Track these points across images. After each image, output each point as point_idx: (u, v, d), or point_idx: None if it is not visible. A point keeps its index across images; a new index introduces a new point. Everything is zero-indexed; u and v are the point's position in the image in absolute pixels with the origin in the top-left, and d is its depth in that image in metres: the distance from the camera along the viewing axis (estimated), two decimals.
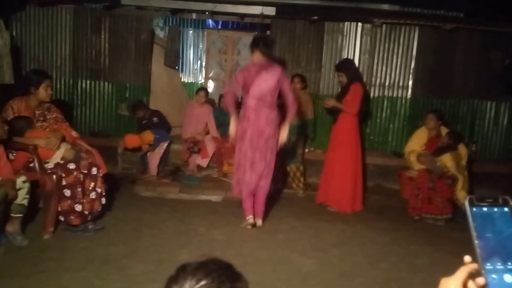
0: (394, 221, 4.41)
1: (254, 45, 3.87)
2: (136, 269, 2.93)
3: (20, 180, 3.15)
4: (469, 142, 5.70)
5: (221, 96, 6.07)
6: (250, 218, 3.89)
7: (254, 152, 3.80)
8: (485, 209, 0.68)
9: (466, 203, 0.69)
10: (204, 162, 5.55)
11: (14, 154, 3.41)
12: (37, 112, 3.67)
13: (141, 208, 4.32)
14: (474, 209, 0.68)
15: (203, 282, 0.82)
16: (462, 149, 4.68)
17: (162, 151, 5.38)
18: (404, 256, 3.53)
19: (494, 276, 0.63)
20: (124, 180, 5.17)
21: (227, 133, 5.65)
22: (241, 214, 4.20)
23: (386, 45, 5.90)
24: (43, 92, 3.59)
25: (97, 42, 5.89)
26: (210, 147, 5.49)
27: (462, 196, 4.44)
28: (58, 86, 5.84)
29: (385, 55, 5.93)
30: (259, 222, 3.93)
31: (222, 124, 5.72)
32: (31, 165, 3.39)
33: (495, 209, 0.68)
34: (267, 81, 3.75)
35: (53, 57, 5.87)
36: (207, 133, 5.62)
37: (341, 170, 4.57)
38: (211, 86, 7.87)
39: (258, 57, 3.83)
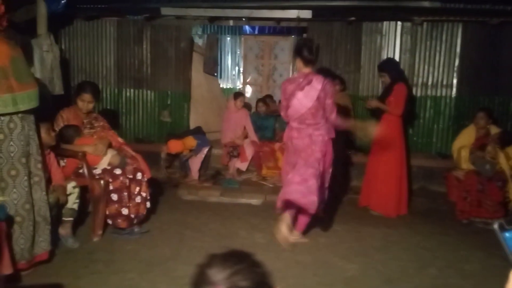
0: (441, 225, 4.24)
1: (296, 53, 3.48)
2: (180, 271, 2.99)
3: (70, 186, 3.32)
4: None
5: (258, 101, 6.11)
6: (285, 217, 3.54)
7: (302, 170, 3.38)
8: None
9: (496, 229, 0.66)
10: (243, 166, 5.61)
11: (65, 161, 3.60)
12: (85, 121, 3.86)
13: (184, 211, 4.42)
14: (507, 234, 0.66)
15: (238, 266, 0.90)
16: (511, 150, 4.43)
17: (203, 155, 5.48)
18: (452, 261, 3.39)
19: None
20: (167, 184, 5.32)
21: (265, 137, 5.72)
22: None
23: (428, 43, 5.72)
24: (80, 103, 3.77)
25: (139, 52, 6.11)
26: (249, 151, 5.54)
27: None
28: (104, 95, 6.11)
29: (427, 53, 5.74)
30: (297, 236, 3.61)
31: (260, 128, 5.76)
32: (81, 171, 3.57)
33: None
34: (307, 98, 3.36)
35: (99, 68, 6.15)
36: (246, 137, 5.67)
37: (384, 173, 4.45)
38: (248, 91, 7.95)
39: (300, 66, 3.47)
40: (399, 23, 5.72)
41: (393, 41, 5.77)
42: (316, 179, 3.34)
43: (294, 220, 3.59)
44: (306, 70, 3.47)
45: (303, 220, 3.62)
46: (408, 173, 4.83)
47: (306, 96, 3.37)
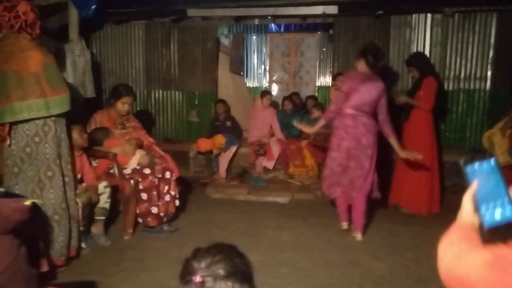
0: None
1: (361, 54, 3.64)
2: None
3: (102, 185, 3.43)
4: None
5: (284, 99, 6.09)
6: (344, 225, 3.81)
7: (350, 161, 3.61)
8: (476, 166, 0.83)
9: (461, 164, 0.83)
10: (270, 164, 5.60)
11: (97, 162, 3.71)
12: (117, 122, 3.97)
13: (212, 210, 4.47)
14: (468, 168, 0.84)
15: (218, 257, 0.99)
16: None
17: (231, 154, 5.52)
18: None
19: (487, 213, 0.80)
20: (195, 183, 5.40)
21: (292, 135, 5.69)
22: (312, 215, 4.19)
23: (460, 35, 5.51)
24: (120, 106, 3.88)
25: (167, 54, 6.22)
26: (276, 149, 5.53)
27: None
28: (135, 97, 6.25)
29: (459, 45, 5.54)
30: (359, 236, 3.68)
31: (287, 126, 5.73)
32: (111, 171, 3.67)
33: (484, 164, 0.83)
34: (370, 92, 3.56)
35: (129, 70, 6.31)
36: (272, 135, 5.67)
37: (415, 170, 4.34)
38: (275, 89, 7.93)
39: (362, 66, 3.63)
40: (429, 15, 5.54)
41: (423, 34, 5.60)
42: (363, 179, 3.63)
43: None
44: (367, 72, 3.62)
45: (358, 213, 3.72)
46: (440, 169, 4.69)
47: (369, 91, 3.57)
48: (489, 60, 5.48)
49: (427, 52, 5.50)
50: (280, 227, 3.96)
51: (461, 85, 5.60)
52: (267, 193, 4.94)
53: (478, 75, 5.53)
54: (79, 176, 3.36)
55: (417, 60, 4.57)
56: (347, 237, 3.74)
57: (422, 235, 3.78)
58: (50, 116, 2.76)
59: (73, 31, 4.85)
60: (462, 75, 5.58)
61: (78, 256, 3.11)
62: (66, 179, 2.94)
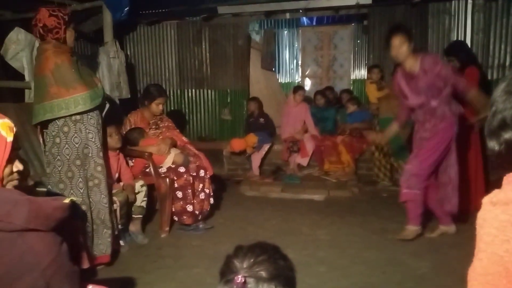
0: None
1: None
2: None
3: (138, 184, 3.48)
4: None
5: (316, 93, 5.99)
6: (417, 229, 3.49)
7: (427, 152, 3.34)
8: None
9: None
10: (304, 161, 5.53)
11: (133, 161, 3.78)
12: (151, 122, 4.03)
13: (246, 207, 4.46)
14: None
15: (261, 257, 0.97)
16: None
17: (264, 152, 5.49)
18: None
19: None
20: (229, 181, 5.41)
21: (326, 130, 5.58)
22: (349, 213, 4.08)
23: (504, 20, 5.20)
24: (154, 107, 3.93)
25: (199, 53, 6.26)
26: (310, 146, 5.44)
27: None
28: (169, 96, 6.34)
29: (504, 31, 5.22)
30: (452, 228, 3.53)
31: (320, 121, 5.64)
32: (147, 170, 3.73)
33: None
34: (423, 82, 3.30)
35: (162, 70, 6.41)
36: (306, 131, 5.58)
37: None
38: (308, 84, 7.82)
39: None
40: (469, 0, 5.26)
41: (463, 21, 5.33)
42: None
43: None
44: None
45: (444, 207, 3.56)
46: (485, 163, 4.44)
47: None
48: None
49: (468, 40, 5.23)
50: (315, 225, 3.89)
51: (507, 73, 5.28)
52: (302, 190, 4.87)
53: None
54: (116, 176, 3.43)
55: (457, 49, 4.34)
56: (386, 235, 3.62)
57: (465, 233, 3.58)
58: (69, 116, 2.76)
59: (108, 34, 4.96)
60: (508, 63, 5.26)
61: (112, 262, 3.09)
62: (96, 181, 2.91)
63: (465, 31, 5.32)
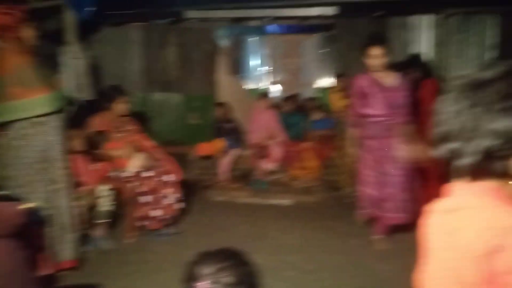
0: None
1: None
2: None
3: (103, 189, 3.37)
4: None
5: (285, 100, 6.06)
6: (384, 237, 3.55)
7: (383, 165, 3.36)
8: None
9: None
10: (272, 167, 5.56)
11: (97, 165, 3.66)
12: (115, 125, 3.91)
13: (214, 213, 4.43)
14: None
15: (225, 264, 0.96)
16: None
17: (232, 157, 5.48)
18: None
19: None
20: (197, 185, 5.34)
21: (294, 136, 5.66)
22: (316, 218, 4.14)
23: (459, 36, 5.50)
24: (118, 107, 3.83)
25: (166, 56, 6.18)
26: (277, 151, 5.49)
27: None
28: (134, 99, 6.20)
29: (459, 46, 5.53)
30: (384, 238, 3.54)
31: (288, 127, 5.70)
32: (112, 174, 3.62)
33: None
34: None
35: (128, 73, 6.25)
36: (274, 137, 5.63)
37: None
38: (275, 90, 7.90)
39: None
40: (427, 16, 5.54)
41: (422, 35, 5.59)
42: None
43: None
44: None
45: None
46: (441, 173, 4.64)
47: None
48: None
49: (426, 54, 5.49)
50: (283, 230, 3.92)
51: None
52: (270, 195, 4.90)
53: None
54: (79, 179, 3.31)
55: (416, 62, 4.56)
56: (350, 239, 3.70)
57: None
58: (29, 118, 2.64)
59: (70, 34, 4.79)
60: None
61: (78, 267, 2.99)
62: (58, 185, 2.81)
63: (423, 45, 5.59)
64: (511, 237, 0.75)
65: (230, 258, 0.99)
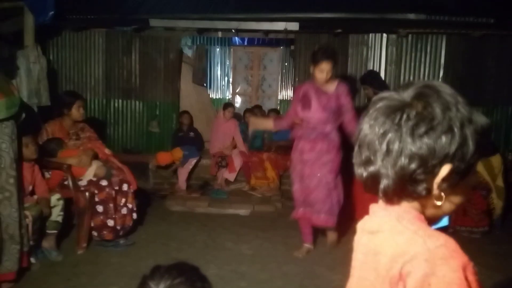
0: None
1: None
2: None
3: (54, 198, 3.31)
4: (505, 151, 5.49)
5: (246, 111, 6.14)
6: (307, 246, 3.70)
7: (312, 173, 3.52)
8: None
9: None
10: (231, 176, 5.61)
11: (50, 173, 3.58)
12: (71, 132, 3.85)
13: (171, 223, 4.41)
14: None
15: (178, 280, 0.94)
16: (495, 160, 4.49)
17: (191, 166, 5.49)
18: None
19: None
20: (155, 195, 5.30)
21: (254, 147, 5.74)
22: (272, 227, 4.20)
23: (413, 54, 5.82)
24: (75, 112, 3.78)
25: (128, 63, 6.12)
26: (237, 161, 5.55)
27: (498, 207, 4.27)
28: (92, 106, 6.09)
29: (412, 64, 5.84)
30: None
31: (249, 138, 5.78)
32: (66, 183, 3.55)
33: None
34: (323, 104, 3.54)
35: (87, 79, 6.14)
36: (234, 147, 5.69)
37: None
38: (238, 101, 7.98)
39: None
40: (384, 35, 5.82)
41: (379, 53, 5.86)
42: None
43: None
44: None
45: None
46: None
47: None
48: (440, 79, 5.80)
49: (382, 71, 5.75)
50: (239, 240, 3.97)
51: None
52: (228, 205, 4.93)
53: None
54: (30, 188, 3.22)
55: (372, 78, 4.77)
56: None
57: None
58: None
59: (29, 37, 4.67)
60: None
61: (17, 280, 2.88)
62: (7, 194, 2.73)
63: (380, 62, 5.85)
64: (418, 263, 0.74)
65: (184, 273, 0.97)
